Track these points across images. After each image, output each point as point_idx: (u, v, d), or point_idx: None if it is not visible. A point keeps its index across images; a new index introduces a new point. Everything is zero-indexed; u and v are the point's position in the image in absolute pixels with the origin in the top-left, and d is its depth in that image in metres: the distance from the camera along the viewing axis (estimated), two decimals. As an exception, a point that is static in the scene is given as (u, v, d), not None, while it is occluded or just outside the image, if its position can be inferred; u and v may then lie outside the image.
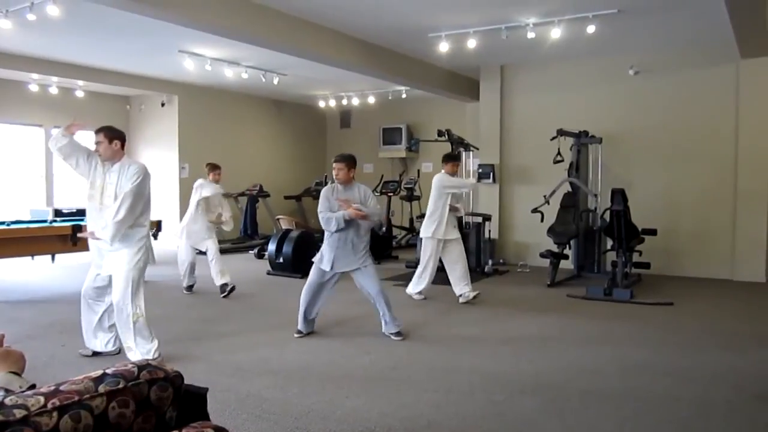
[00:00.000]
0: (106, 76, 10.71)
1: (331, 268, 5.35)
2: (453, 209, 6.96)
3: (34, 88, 10.88)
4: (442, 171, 7.03)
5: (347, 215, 5.15)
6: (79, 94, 11.59)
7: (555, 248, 8.29)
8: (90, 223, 4.65)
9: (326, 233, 5.37)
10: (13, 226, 7.47)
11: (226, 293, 7.25)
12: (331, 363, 4.73)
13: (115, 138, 4.52)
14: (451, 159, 7.14)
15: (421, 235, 7.07)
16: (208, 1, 6.31)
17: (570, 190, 8.76)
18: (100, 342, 4.77)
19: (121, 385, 1.19)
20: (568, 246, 8.53)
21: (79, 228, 7.45)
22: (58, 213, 9.84)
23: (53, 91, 11.12)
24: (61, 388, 1.17)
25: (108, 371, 1.23)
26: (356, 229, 5.32)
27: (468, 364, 4.68)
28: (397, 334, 5.38)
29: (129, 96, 12.71)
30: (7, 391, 1.60)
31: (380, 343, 5.26)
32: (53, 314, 6.26)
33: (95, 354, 4.76)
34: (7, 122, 11.07)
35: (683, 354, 4.99)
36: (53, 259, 9.69)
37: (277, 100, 14.13)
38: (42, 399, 1.13)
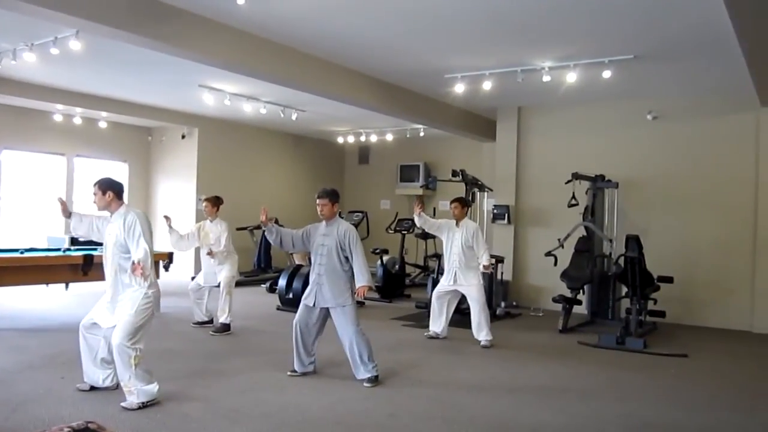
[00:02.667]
0: (128, 107, 10.91)
1: (311, 301, 5.28)
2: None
3: (58, 118, 11.12)
4: (467, 218, 7.08)
5: (357, 296, 5.28)
6: (102, 124, 11.83)
7: (568, 293, 8.15)
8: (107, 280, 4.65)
9: None
10: (26, 254, 7.54)
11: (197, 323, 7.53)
12: (329, 407, 4.64)
13: (108, 189, 4.57)
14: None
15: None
16: (224, 39, 6.41)
17: (585, 234, 8.64)
18: (98, 377, 4.74)
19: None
20: (581, 291, 8.39)
21: (91, 258, 7.51)
22: (74, 241, 9.92)
23: (77, 121, 11.36)
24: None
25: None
26: (328, 266, 5.22)
27: (468, 414, 4.56)
28: (369, 380, 5.18)
29: (150, 127, 12.91)
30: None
31: (380, 387, 5.15)
32: (59, 344, 6.24)
33: (93, 389, 4.72)
34: (32, 150, 11.28)
35: (692, 412, 4.81)
36: (67, 287, 9.79)
37: (296, 135, 14.26)
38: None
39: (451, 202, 7.16)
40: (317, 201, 5.33)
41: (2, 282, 6.95)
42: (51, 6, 4.97)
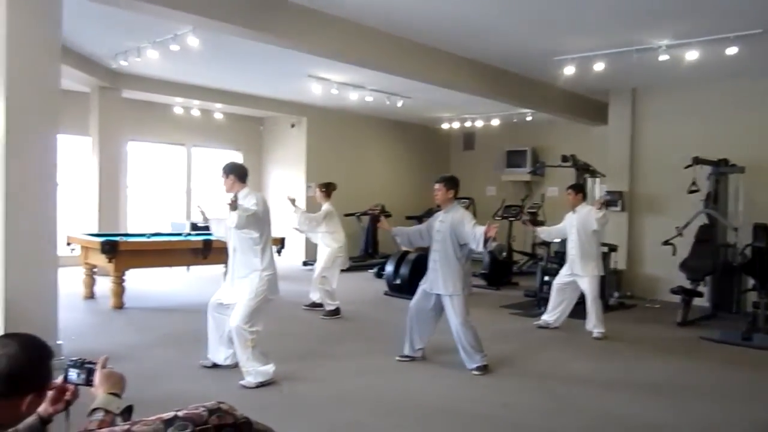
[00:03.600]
0: (241, 99, 11.38)
1: (428, 286, 5.32)
2: None
3: (178, 110, 11.78)
4: (583, 204, 6.88)
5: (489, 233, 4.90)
6: (218, 116, 12.43)
7: (688, 284, 7.72)
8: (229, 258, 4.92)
9: None
10: (152, 239, 8.06)
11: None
12: (439, 394, 4.66)
13: (230, 173, 4.84)
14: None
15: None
16: (331, 30, 6.52)
17: (707, 222, 8.14)
18: (221, 355, 5.01)
19: (189, 430, 1.23)
20: (702, 282, 7.91)
21: (210, 243, 7.91)
22: (194, 227, 10.50)
23: (195, 113, 12.00)
24: (134, 428, 1.22)
25: (179, 414, 1.27)
26: (442, 252, 5.22)
27: (580, 407, 4.45)
28: (478, 368, 5.15)
29: (262, 117, 13.41)
30: (107, 412, 1.69)
31: (490, 377, 5.10)
32: (182, 323, 6.65)
33: (215, 366, 5.00)
34: (155, 141, 12.05)
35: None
36: (188, 269, 10.41)
37: (401, 122, 14.32)
38: (115, 438, 1.18)
39: (567, 189, 7.03)
40: (434, 186, 5.36)
41: (131, 264, 7.48)
42: (169, 5, 5.29)
